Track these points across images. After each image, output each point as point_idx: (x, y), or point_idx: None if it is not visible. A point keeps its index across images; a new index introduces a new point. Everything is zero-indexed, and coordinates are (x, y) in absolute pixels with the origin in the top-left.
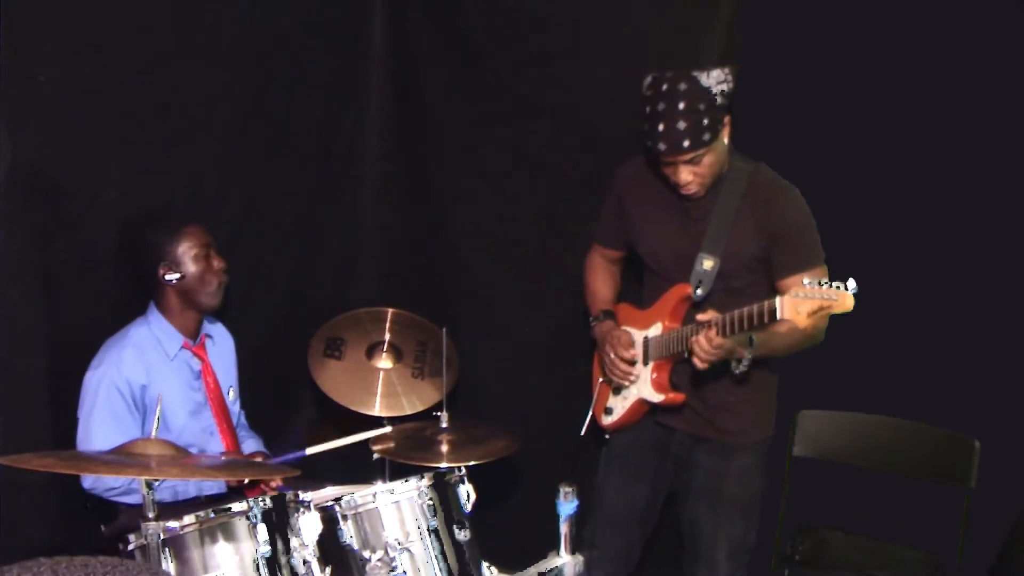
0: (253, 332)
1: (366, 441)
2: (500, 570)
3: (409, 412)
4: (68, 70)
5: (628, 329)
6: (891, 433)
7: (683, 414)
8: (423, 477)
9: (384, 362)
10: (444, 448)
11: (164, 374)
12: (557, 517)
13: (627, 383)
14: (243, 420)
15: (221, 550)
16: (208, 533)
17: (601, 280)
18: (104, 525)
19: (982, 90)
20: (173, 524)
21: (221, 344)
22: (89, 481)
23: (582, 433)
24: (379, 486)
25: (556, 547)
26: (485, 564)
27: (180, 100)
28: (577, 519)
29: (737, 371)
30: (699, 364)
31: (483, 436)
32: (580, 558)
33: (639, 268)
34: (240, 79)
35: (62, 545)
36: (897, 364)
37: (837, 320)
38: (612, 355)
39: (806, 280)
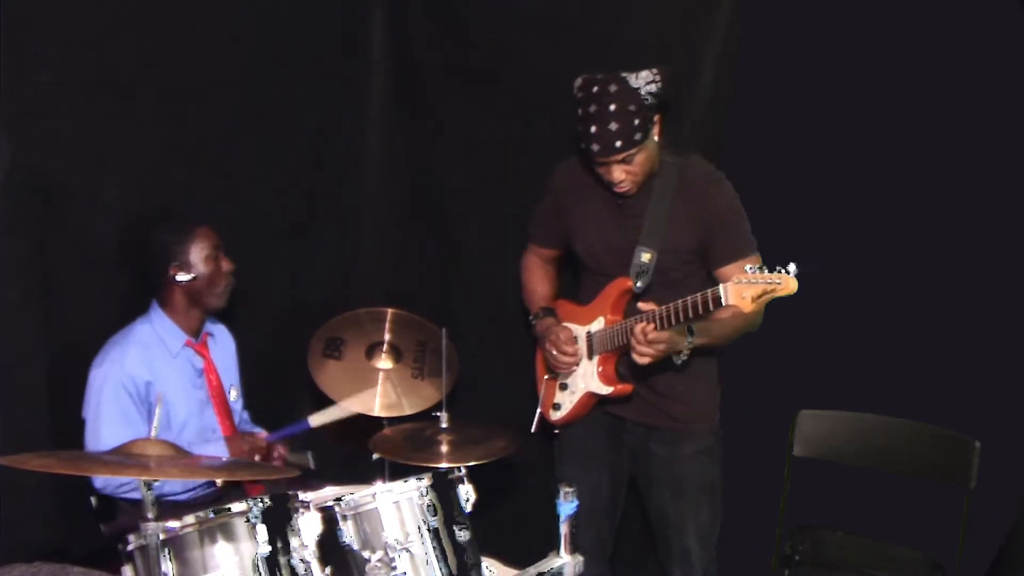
0: (253, 332)
1: (366, 441)
2: (500, 569)
3: (409, 412)
4: (68, 70)
5: (570, 325)
6: (891, 433)
7: (633, 404)
8: (423, 477)
9: (384, 362)
10: (444, 448)
11: (167, 371)
12: (557, 517)
13: (572, 373)
14: (246, 417)
15: (221, 550)
16: (208, 533)
17: (539, 279)
18: (104, 525)
19: (983, 89)
20: (173, 524)
21: (222, 343)
22: (101, 480)
23: (532, 430)
24: (379, 486)
25: (556, 547)
26: (485, 564)
27: (180, 100)
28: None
29: (678, 362)
30: (639, 360)
31: (483, 436)
32: (580, 558)
33: (575, 267)
34: (240, 79)
35: (62, 545)
36: (897, 364)
37: (837, 320)
38: (554, 351)
39: (748, 267)
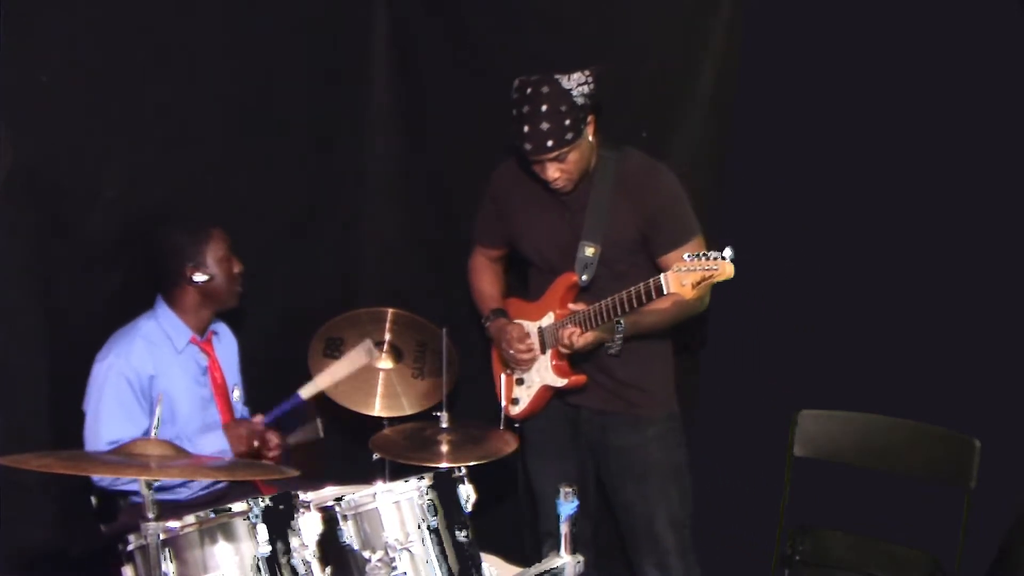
0: (254, 331)
1: (366, 441)
2: (501, 567)
3: (409, 412)
4: (68, 70)
5: (521, 322)
6: (891, 433)
7: (590, 392)
8: (423, 477)
9: (384, 362)
10: (444, 448)
11: (172, 367)
12: (557, 517)
13: (532, 368)
14: (247, 416)
15: (221, 550)
16: (208, 533)
17: (487, 280)
18: (104, 525)
19: (983, 89)
20: (173, 524)
21: (226, 342)
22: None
23: (500, 428)
24: (379, 486)
25: (556, 547)
26: (485, 564)
27: (180, 100)
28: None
29: (611, 352)
30: (565, 352)
31: (483, 436)
32: (580, 558)
33: (521, 265)
34: (240, 79)
35: (62, 545)
36: (897, 364)
37: (838, 320)
38: (511, 350)
39: (686, 255)
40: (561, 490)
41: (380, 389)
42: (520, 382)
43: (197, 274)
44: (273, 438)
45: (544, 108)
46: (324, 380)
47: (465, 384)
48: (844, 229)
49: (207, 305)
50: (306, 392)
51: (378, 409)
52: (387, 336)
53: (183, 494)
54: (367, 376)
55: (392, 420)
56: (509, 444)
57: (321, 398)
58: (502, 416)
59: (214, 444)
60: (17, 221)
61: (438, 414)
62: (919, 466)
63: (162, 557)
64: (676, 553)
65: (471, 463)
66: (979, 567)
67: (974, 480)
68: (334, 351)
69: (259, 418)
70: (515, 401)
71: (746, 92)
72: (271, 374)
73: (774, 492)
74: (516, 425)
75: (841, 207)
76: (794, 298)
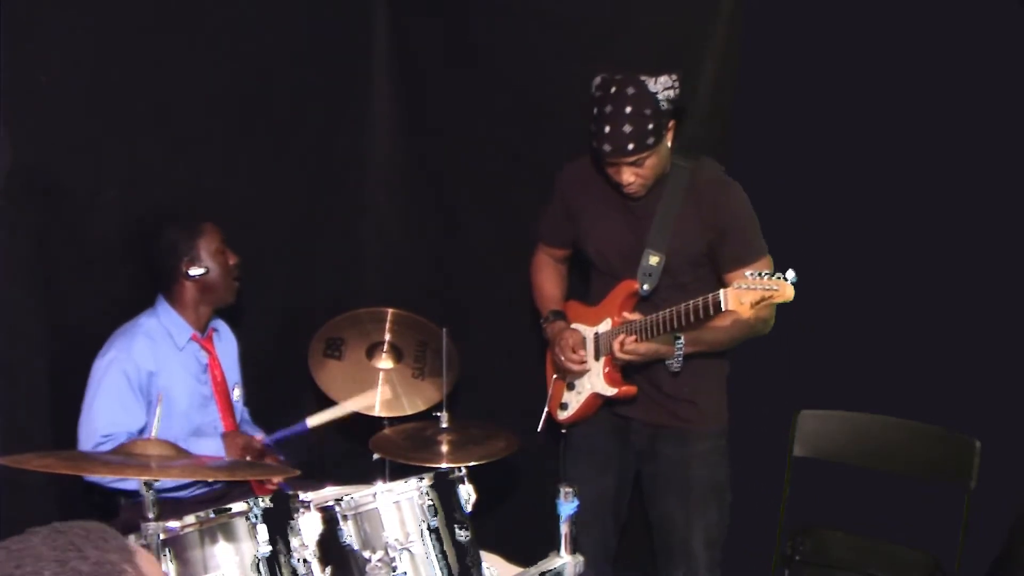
0: (254, 331)
1: (366, 441)
2: (501, 566)
3: (409, 412)
4: (68, 70)
5: (578, 326)
6: (891, 433)
7: (640, 404)
8: (423, 477)
9: (384, 362)
10: (444, 448)
11: (172, 364)
12: (557, 517)
13: (581, 377)
14: (247, 416)
15: (221, 550)
16: (208, 533)
17: (549, 280)
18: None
19: (983, 89)
20: (173, 524)
21: (226, 340)
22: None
23: (539, 429)
24: (379, 486)
25: (556, 547)
26: (485, 564)
27: (181, 100)
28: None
29: (671, 368)
30: (625, 361)
31: (483, 436)
32: (580, 558)
33: (585, 266)
34: (241, 79)
35: None
36: (897, 364)
37: (837, 320)
38: (563, 356)
39: (748, 272)
40: (561, 490)
41: (380, 389)
42: (571, 387)
43: (192, 268)
44: (269, 460)
45: (628, 110)
46: (333, 413)
47: (465, 384)
48: (844, 229)
49: (206, 300)
50: (313, 421)
51: (378, 409)
52: (387, 336)
53: (183, 492)
54: (367, 376)
55: (392, 420)
56: (510, 445)
57: (324, 401)
58: (543, 417)
59: (209, 449)
60: (17, 221)
61: (438, 414)
62: (919, 466)
63: (162, 557)
64: (705, 569)
65: (471, 463)
66: (979, 567)
67: (974, 480)
68: (334, 351)
69: (260, 436)
70: (563, 406)
71: (746, 92)
72: (271, 374)
73: (774, 492)
74: (563, 431)
75: (841, 207)
76: (794, 298)
